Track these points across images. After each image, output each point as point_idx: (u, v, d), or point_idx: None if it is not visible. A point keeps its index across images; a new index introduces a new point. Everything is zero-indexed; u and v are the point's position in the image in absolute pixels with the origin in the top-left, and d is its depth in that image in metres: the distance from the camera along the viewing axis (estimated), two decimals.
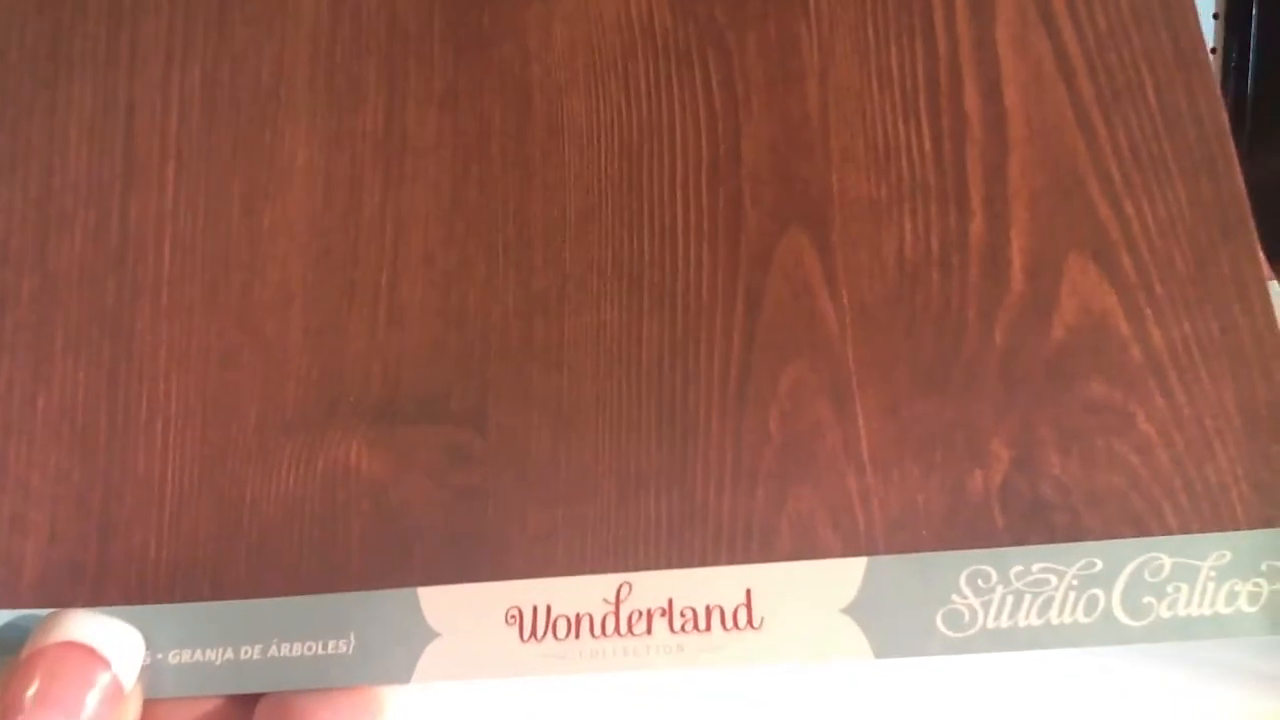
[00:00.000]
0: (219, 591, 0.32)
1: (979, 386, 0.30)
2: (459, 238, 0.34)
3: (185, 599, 0.32)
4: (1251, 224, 0.31)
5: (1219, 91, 0.32)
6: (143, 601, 0.32)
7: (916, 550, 0.28)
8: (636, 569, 0.29)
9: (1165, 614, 0.26)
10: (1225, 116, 0.31)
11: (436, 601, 0.29)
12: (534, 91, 0.36)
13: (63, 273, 0.36)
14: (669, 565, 0.29)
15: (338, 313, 0.34)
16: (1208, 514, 0.28)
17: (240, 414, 0.34)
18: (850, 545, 0.29)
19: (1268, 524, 0.27)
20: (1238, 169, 0.31)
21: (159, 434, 0.34)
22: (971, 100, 0.33)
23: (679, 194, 0.34)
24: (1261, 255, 0.31)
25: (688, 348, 0.32)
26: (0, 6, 0.38)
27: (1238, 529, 0.27)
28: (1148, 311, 0.30)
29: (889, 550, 0.29)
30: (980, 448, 0.29)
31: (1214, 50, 1.73)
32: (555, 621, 0.29)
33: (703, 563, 0.29)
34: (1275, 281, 0.32)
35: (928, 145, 0.33)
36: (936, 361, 0.30)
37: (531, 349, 0.33)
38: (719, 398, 0.31)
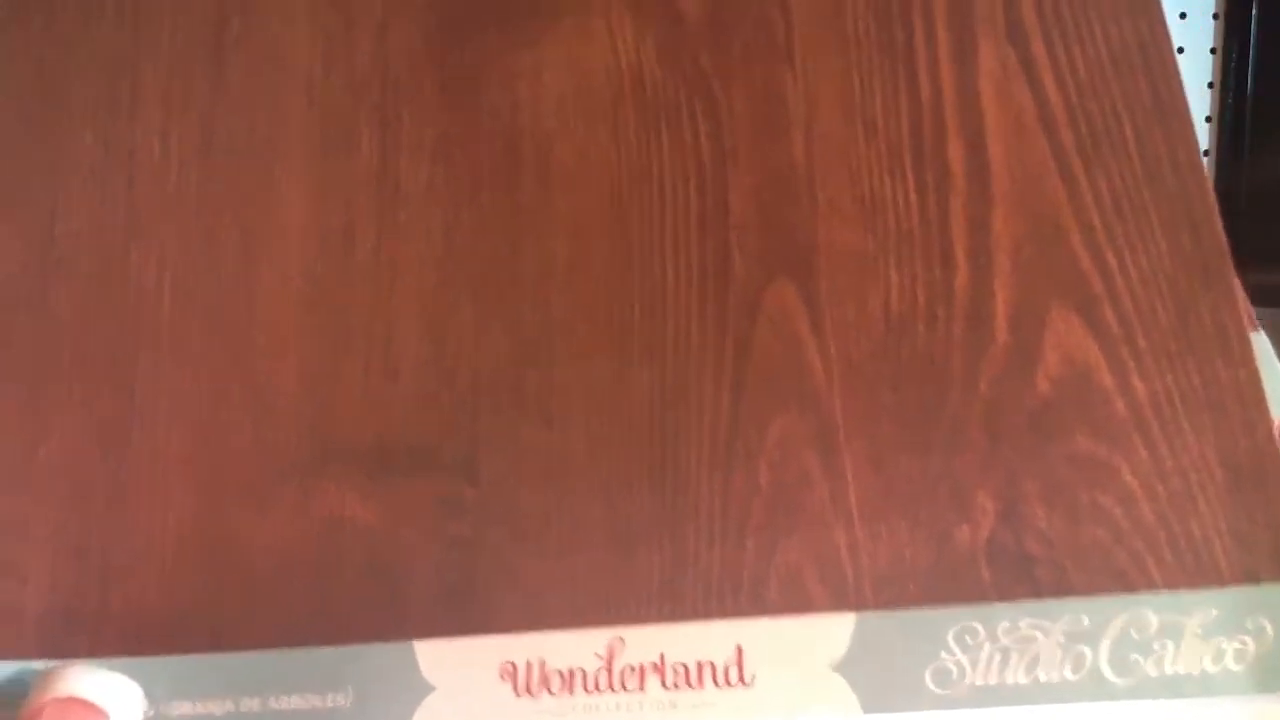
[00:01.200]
0: (218, 640, 0.32)
1: (964, 440, 0.30)
2: (451, 286, 0.35)
3: (185, 648, 0.32)
4: (1233, 274, 0.31)
5: (1198, 142, 0.32)
6: (142, 651, 0.32)
7: (904, 605, 0.29)
8: (629, 622, 0.30)
9: (1152, 672, 0.26)
10: (1204, 165, 0.31)
11: (432, 655, 0.30)
12: (524, 140, 0.36)
13: (64, 319, 0.36)
14: (661, 618, 0.30)
15: (332, 361, 0.34)
16: (1192, 567, 0.28)
17: (236, 462, 0.34)
18: (839, 599, 0.29)
19: (1251, 577, 0.28)
20: (1218, 218, 0.32)
21: (158, 482, 0.34)
22: (955, 151, 0.33)
23: (668, 243, 0.34)
24: (1243, 305, 0.31)
25: (677, 399, 0.32)
26: (2, 54, 0.39)
27: (1221, 582, 0.28)
28: (1130, 364, 0.30)
29: (877, 604, 0.29)
30: (966, 501, 0.30)
31: (1214, 50, 1.72)
32: (549, 676, 0.29)
33: (694, 616, 0.30)
34: (1258, 332, 0.32)
35: (913, 197, 0.33)
36: (922, 415, 0.31)
37: (522, 400, 0.33)
38: (709, 449, 0.31)
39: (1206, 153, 1.55)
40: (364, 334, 0.35)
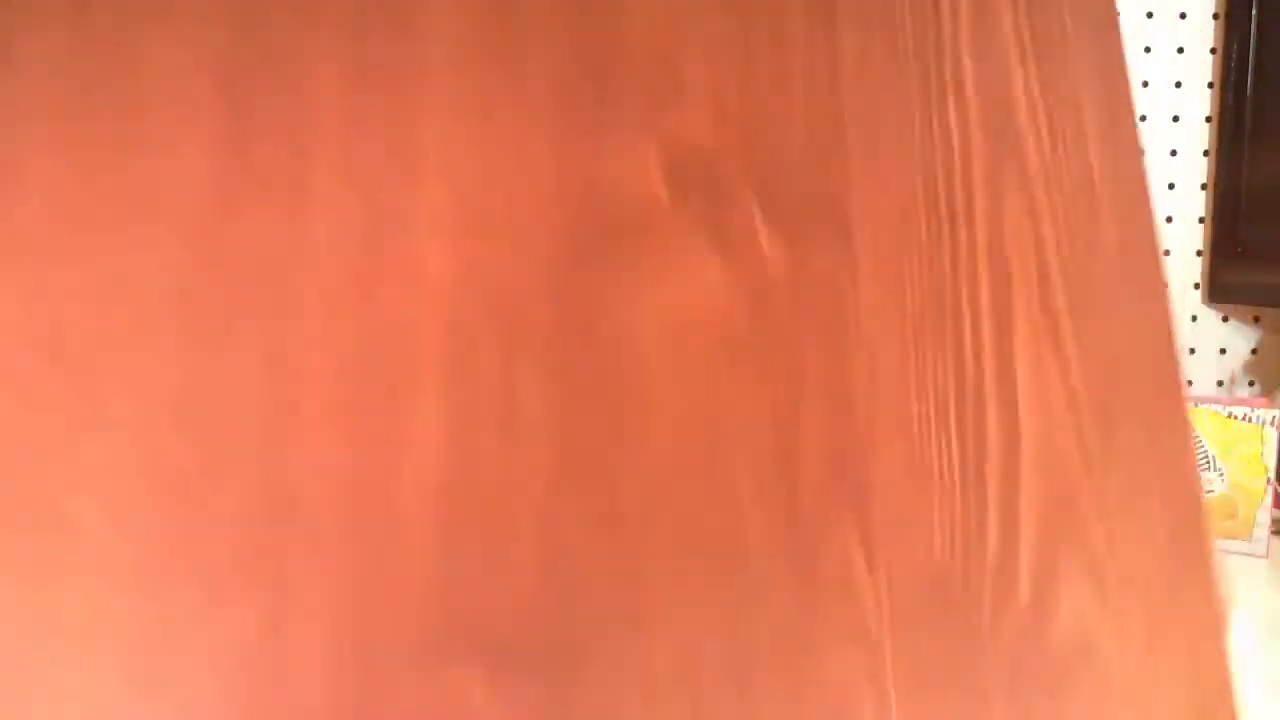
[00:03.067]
0: None
1: (985, 690, 0.37)
2: (560, 508, 0.41)
3: None
4: (1213, 570, 0.38)
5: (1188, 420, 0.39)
6: None
7: None
8: None
9: None
10: (1196, 471, 0.38)
11: None
12: (628, 374, 0.42)
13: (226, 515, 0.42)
14: None
15: (456, 561, 0.41)
16: None
17: (374, 647, 0.40)
18: None
19: None
20: (1204, 519, 0.39)
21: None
22: (992, 425, 0.40)
23: (749, 480, 0.40)
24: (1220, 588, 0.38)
25: (739, 622, 0.39)
26: None
27: None
28: (1128, 629, 0.37)
29: None
30: None
31: (1214, 50, 1.76)
32: None
33: None
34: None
35: (955, 460, 0.40)
36: (955, 660, 0.38)
37: (618, 610, 0.40)
38: (770, 674, 0.39)
39: (1206, 153, 1.61)
40: (479, 542, 0.41)
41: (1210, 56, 1.69)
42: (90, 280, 0.42)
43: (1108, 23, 0.42)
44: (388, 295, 0.43)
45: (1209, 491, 1.44)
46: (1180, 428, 0.39)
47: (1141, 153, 0.40)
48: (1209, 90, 1.69)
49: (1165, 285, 0.41)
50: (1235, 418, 1.47)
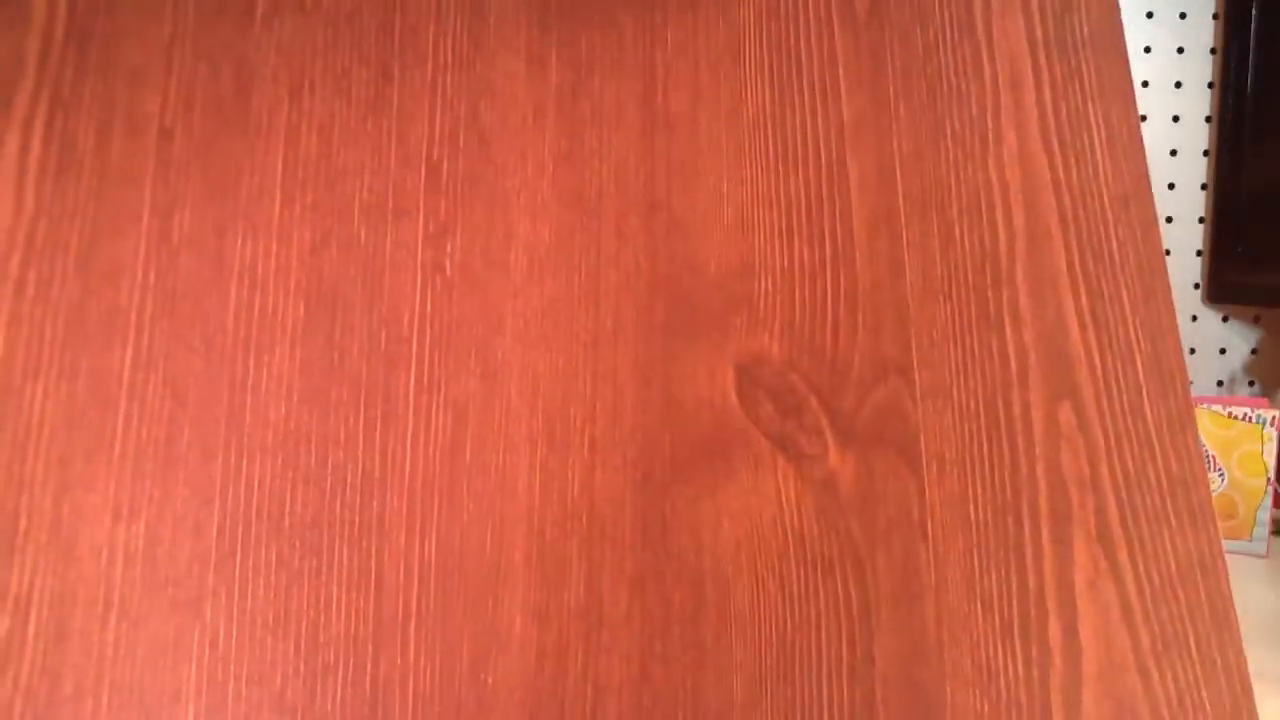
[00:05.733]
0: None
1: None
2: (646, 710, 0.44)
3: None
4: None
5: (1242, 649, 0.41)
6: None
7: None
8: None
9: None
10: (1249, 672, 0.41)
11: None
12: (706, 581, 0.44)
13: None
14: None
15: None
16: None
17: None
18: None
19: None
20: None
21: None
22: (1054, 634, 0.42)
23: (824, 688, 0.43)
24: None
25: None
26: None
27: None
28: None
29: None
30: None
31: (1214, 50, 1.76)
32: None
33: None
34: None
35: (1020, 669, 0.42)
36: None
37: None
38: None
39: (1206, 153, 1.63)
40: None
41: (1210, 56, 1.69)
42: (189, 496, 0.43)
43: (1152, 252, 0.44)
44: (473, 507, 0.45)
45: None
46: (1233, 641, 0.41)
47: (1188, 383, 0.42)
48: (1209, 90, 1.69)
49: (1212, 512, 0.43)
50: (1235, 418, 1.47)
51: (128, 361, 0.45)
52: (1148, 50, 1.66)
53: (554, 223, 0.45)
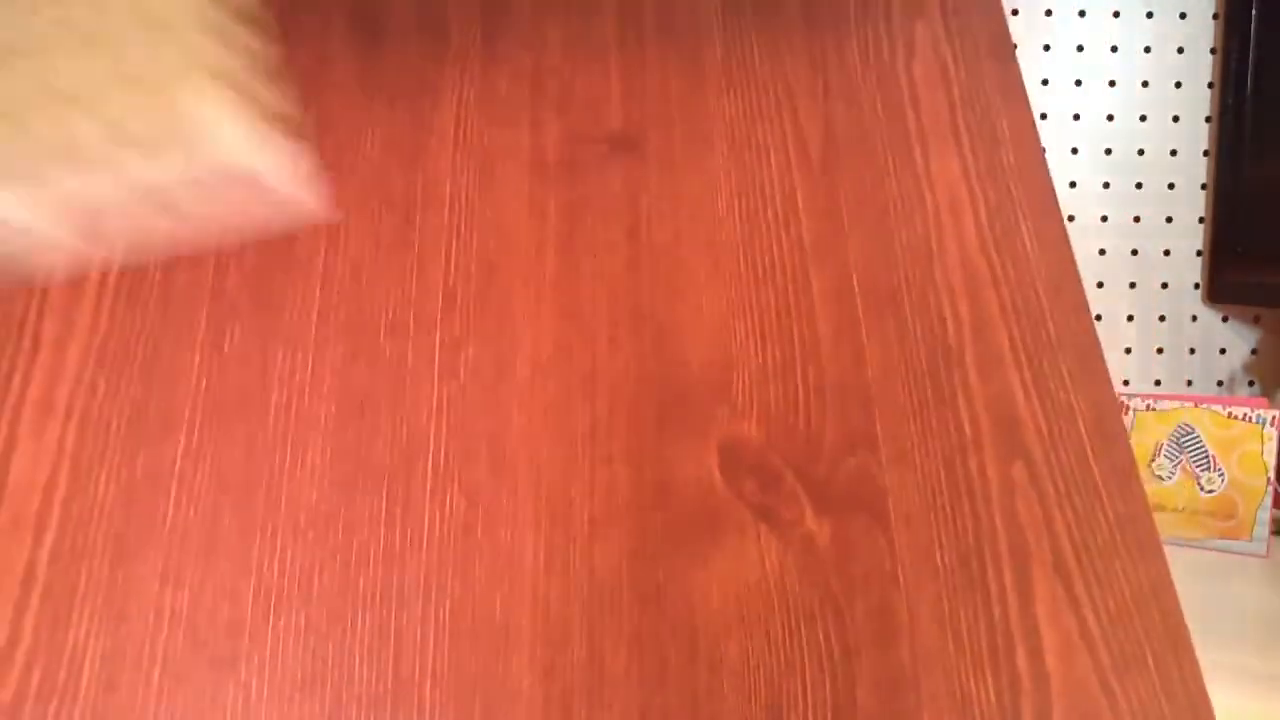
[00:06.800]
0: None
1: None
2: None
3: None
4: None
5: (1198, 663, 0.46)
6: None
7: None
8: None
9: None
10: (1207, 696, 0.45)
11: None
12: (700, 638, 0.49)
13: None
14: None
15: None
16: None
17: None
18: None
19: None
20: None
21: None
22: (1022, 661, 0.47)
23: None
24: None
25: None
26: None
27: None
28: None
29: None
30: None
31: (1214, 50, 1.77)
32: None
33: None
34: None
35: (992, 695, 0.47)
36: None
37: None
38: None
39: (1206, 152, 1.64)
40: None
41: (1210, 56, 1.70)
42: (228, 568, 0.48)
43: (1084, 330, 0.49)
44: (484, 578, 0.50)
45: (1209, 492, 1.46)
46: (1190, 661, 0.46)
47: (1128, 440, 0.46)
48: (1209, 90, 1.70)
49: (1158, 545, 0.48)
50: (1235, 418, 1.48)
51: (179, 453, 0.50)
52: (1148, 50, 1.68)
53: (554, 335, 0.50)
